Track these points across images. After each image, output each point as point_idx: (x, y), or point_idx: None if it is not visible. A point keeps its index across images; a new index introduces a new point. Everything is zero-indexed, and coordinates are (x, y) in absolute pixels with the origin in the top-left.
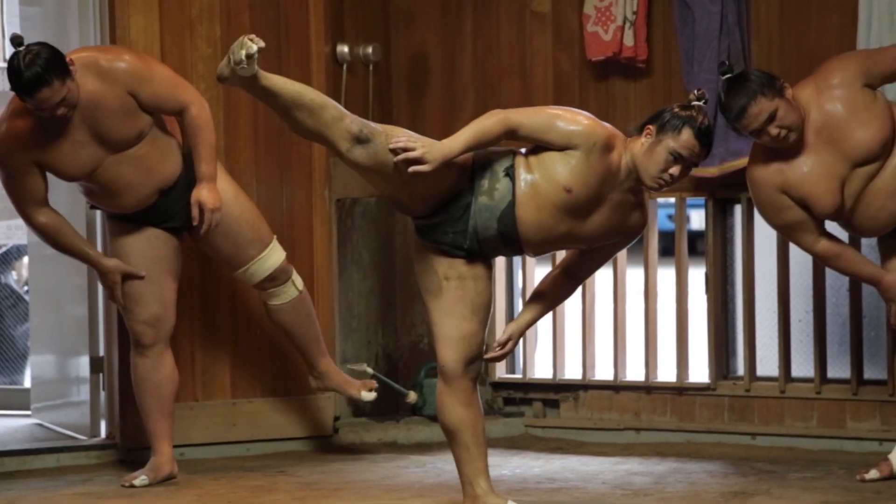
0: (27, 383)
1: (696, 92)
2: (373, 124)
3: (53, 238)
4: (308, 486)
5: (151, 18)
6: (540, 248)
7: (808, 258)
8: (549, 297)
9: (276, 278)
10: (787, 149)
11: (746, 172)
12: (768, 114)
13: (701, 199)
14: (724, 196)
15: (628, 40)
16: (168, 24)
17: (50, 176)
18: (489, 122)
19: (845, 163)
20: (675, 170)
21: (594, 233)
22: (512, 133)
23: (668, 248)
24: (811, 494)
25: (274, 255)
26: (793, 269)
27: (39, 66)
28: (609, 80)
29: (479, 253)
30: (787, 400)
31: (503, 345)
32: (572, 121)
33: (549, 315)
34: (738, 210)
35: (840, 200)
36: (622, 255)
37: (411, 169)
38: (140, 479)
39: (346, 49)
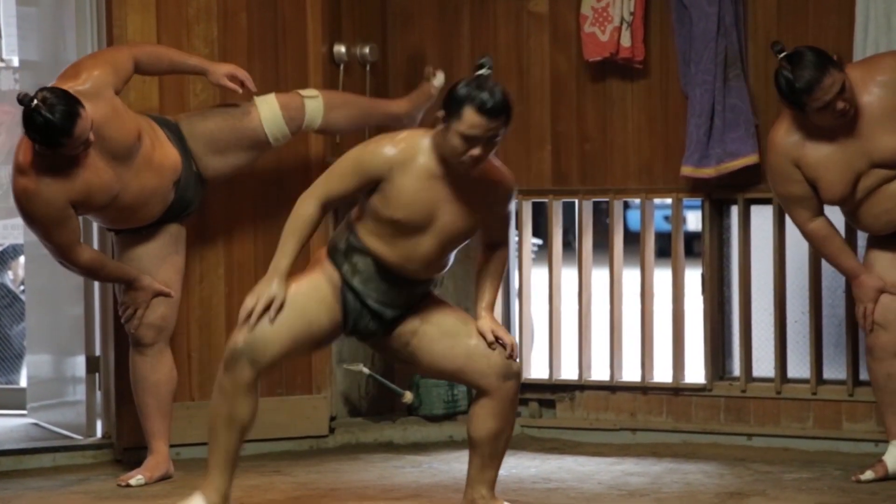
0: (23, 383)
1: (480, 60)
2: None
3: (98, 271)
4: (304, 486)
5: (148, 18)
6: (434, 268)
7: (805, 259)
8: (491, 272)
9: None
10: (823, 127)
11: (770, 133)
12: (840, 85)
13: (697, 200)
14: (720, 197)
15: (625, 41)
16: (165, 24)
17: None
18: (300, 212)
19: (865, 159)
20: (475, 151)
21: (463, 225)
22: (327, 206)
23: (664, 249)
24: (807, 495)
25: (265, 106)
26: (789, 271)
27: (64, 106)
28: (606, 80)
29: (403, 312)
30: (783, 401)
31: (497, 340)
32: (359, 159)
33: (546, 316)
34: (734, 211)
35: (850, 192)
36: (618, 255)
37: (271, 312)
38: (136, 478)
39: (343, 49)
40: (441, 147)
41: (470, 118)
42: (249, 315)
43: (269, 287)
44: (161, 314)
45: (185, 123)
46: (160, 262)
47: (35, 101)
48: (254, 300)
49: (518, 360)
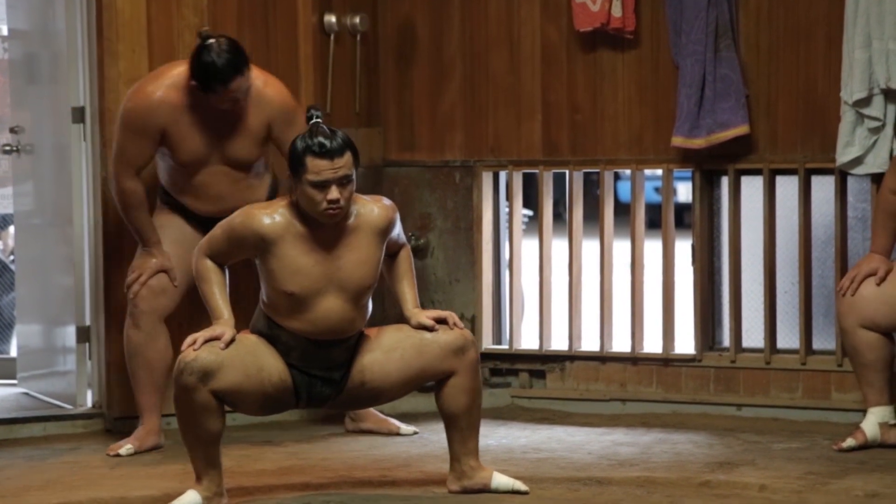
0: (13, 352)
1: (309, 111)
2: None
3: (129, 208)
4: (294, 456)
5: None
6: (358, 321)
7: (795, 230)
8: (402, 273)
9: None
10: None
11: None
12: None
13: (688, 172)
14: (710, 168)
15: (616, 11)
16: None
17: None
18: (202, 265)
19: None
20: (331, 194)
21: (362, 273)
22: (218, 262)
23: (654, 221)
24: (796, 465)
25: None
26: (779, 241)
27: (233, 56)
28: (597, 51)
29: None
30: (772, 371)
31: (443, 322)
32: (232, 228)
33: (536, 287)
34: (724, 182)
35: None
36: (609, 226)
37: (222, 341)
38: (126, 447)
39: (333, 19)
40: (304, 206)
41: (313, 165)
42: (195, 341)
43: (217, 326)
44: (162, 287)
45: None
46: (181, 238)
47: (211, 40)
48: (200, 333)
49: (467, 328)
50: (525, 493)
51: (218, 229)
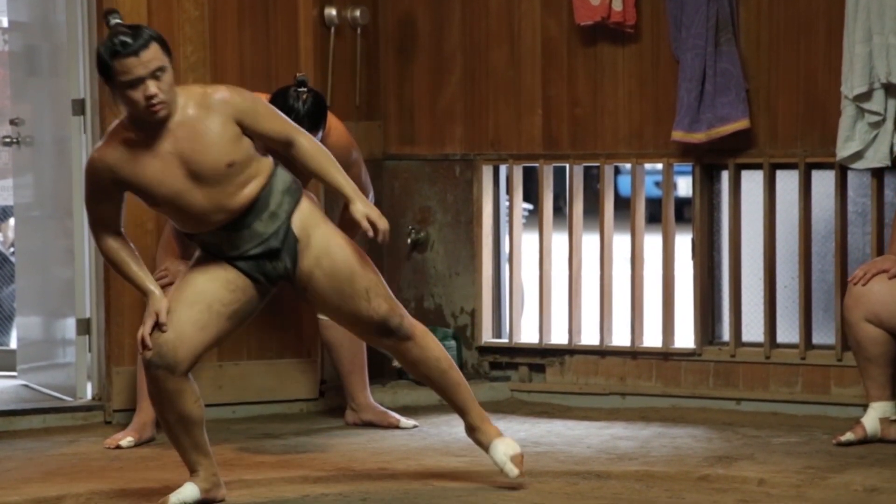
0: (13, 344)
1: (106, 17)
2: None
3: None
4: (293, 449)
5: None
6: (239, 199)
7: (795, 224)
8: (317, 168)
9: None
10: None
11: None
12: None
13: (688, 166)
14: (711, 162)
15: (617, 5)
16: None
17: None
18: (105, 247)
19: None
20: (148, 90)
21: (213, 158)
22: (111, 229)
23: (654, 215)
24: (795, 459)
25: None
26: (779, 236)
27: (314, 109)
28: (597, 44)
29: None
30: (771, 365)
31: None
32: (90, 182)
33: (536, 281)
34: (724, 176)
35: None
36: (609, 221)
37: (161, 320)
38: (126, 439)
39: (333, 12)
40: (129, 112)
41: (121, 66)
42: (143, 342)
43: (149, 307)
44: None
45: None
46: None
47: (302, 89)
48: (141, 328)
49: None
50: (513, 478)
51: (84, 196)
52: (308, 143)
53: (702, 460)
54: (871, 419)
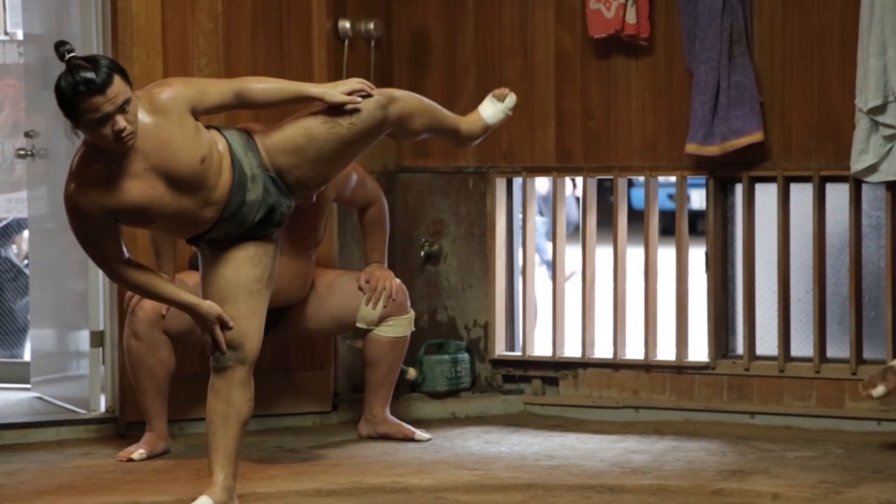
0: (27, 357)
1: (58, 49)
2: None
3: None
4: (306, 462)
5: None
6: (214, 192)
7: (809, 237)
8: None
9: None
10: None
11: None
12: None
13: (702, 179)
14: (724, 175)
15: (630, 18)
16: None
17: None
18: (128, 279)
19: None
20: (117, 125)
21: (183, 162)
22: (120, 258)
23: (668, 227)
24: (809, 473)
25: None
26: (793, 249)
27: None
28: (611, 57)
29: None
30: (786, 379)
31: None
32: (81, 223)
33: (549, 293)
34: (738, 189)
35: None
36: (622, 233)
37: (227, 322)
38: (139, 452)
39: (347, 25)
40: (102, 147)
41: (88, 105)
42: (215, 343)
43: (201, 315)
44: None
45: None
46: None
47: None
48: (207, 335)
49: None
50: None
51: (78, 240)
52: (254, 82)
53: (716, 474)
54: None
